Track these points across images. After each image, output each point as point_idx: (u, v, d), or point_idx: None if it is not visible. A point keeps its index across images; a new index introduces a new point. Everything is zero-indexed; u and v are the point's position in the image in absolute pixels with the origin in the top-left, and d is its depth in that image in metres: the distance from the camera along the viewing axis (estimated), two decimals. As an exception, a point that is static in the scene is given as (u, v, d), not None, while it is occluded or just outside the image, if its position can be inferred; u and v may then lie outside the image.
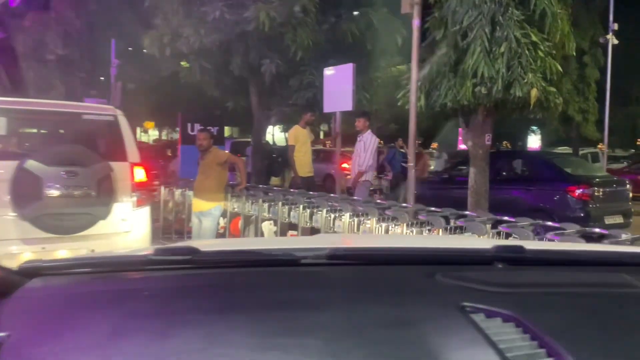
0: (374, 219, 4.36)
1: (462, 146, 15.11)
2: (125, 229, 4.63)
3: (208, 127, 6.45)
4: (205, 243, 1.96)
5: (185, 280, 1.03)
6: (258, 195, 5.69)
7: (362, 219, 4.50)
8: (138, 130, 40.70)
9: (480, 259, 1.23)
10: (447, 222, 3.96)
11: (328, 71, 7.56)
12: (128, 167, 4.65)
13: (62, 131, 5.44)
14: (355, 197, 6.64)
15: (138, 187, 4.69)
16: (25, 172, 4.03)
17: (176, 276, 1.04)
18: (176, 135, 38.17)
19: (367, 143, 6.83)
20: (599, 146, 17.65)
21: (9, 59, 25.95)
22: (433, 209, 4.34)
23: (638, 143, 25.29)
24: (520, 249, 1.21)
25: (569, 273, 1.18)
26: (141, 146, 24.16)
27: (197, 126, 11.05)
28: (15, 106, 4.77)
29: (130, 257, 1.22)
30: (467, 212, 4.52)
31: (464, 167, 9.07)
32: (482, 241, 2.36)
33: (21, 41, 21.67)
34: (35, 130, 6.05)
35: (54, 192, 4.08)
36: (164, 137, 37.08)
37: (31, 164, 4.05)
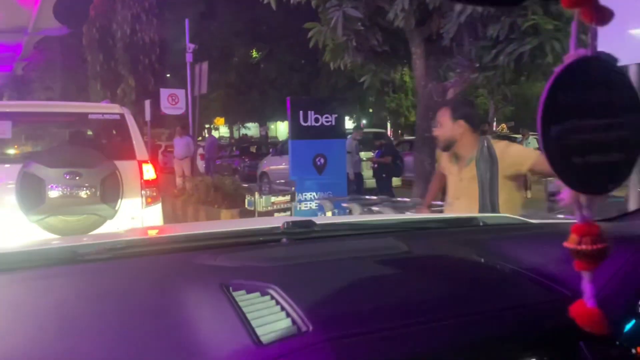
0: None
1: None
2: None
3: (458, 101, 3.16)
4: None
5: None
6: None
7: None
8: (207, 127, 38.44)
9: (269, 237, 1.31)
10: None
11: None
12: (136, 165, 4.63)
13: (69, 132, 5.39)
14: None
15: (147, 184, 4.64)
16: (28, 174, 4.08)
17: None
18: (248, 132, 35.63)
19: None
20: None
21: (73, 55, 24.08)
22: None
23: None
24: (309, 223, 1.30)
25: (343, 242, 1.30)
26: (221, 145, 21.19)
27: (312, 114, 7.94)
28: (22, 109, 4.97)
29: None
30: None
31: None
32: (279, 219, 1.96)
33: (86, 32, 19.58)
34: (42, 133, 6.01)
35: (57, 194, 4.08)
36: (235, 135, 34.51)
37: (33, 166, 4.09)
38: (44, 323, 0.82)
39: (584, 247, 0.68)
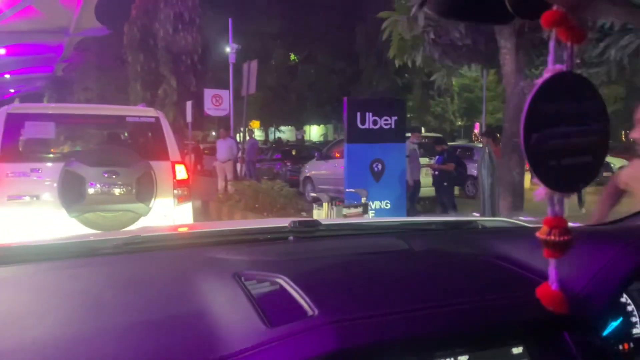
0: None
1: None
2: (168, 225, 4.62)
3: None
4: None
5: None
6: None
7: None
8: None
9: (277, 235, 1.38)
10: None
11: None
12: (170, 165, 4.82)
13: (107, 133, 5.57)
14: None
15: (179, 184, 4.85)
16: (70, 172, 4.28)
17: None
18: (283, 135, 35.20)
19: None
20: None
21: (112, 56, 24.02)
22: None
23: None
24: (314, 223, 1.38)
25: (346, 240, 1.39)
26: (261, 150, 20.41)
27: (369, 116, 7.27)
28: (64, 111, 5.32)
29: None
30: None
31: None
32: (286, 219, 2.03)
33: (127, 32, 19.33)
34: (81, 133, 6.13)
35: (96, 191, 4.27)
36: (270, 138, 34.05)
37: (75, 164, 4.30)
38: (68, 307, 0.88)
39: (552, 237, 0.75)
